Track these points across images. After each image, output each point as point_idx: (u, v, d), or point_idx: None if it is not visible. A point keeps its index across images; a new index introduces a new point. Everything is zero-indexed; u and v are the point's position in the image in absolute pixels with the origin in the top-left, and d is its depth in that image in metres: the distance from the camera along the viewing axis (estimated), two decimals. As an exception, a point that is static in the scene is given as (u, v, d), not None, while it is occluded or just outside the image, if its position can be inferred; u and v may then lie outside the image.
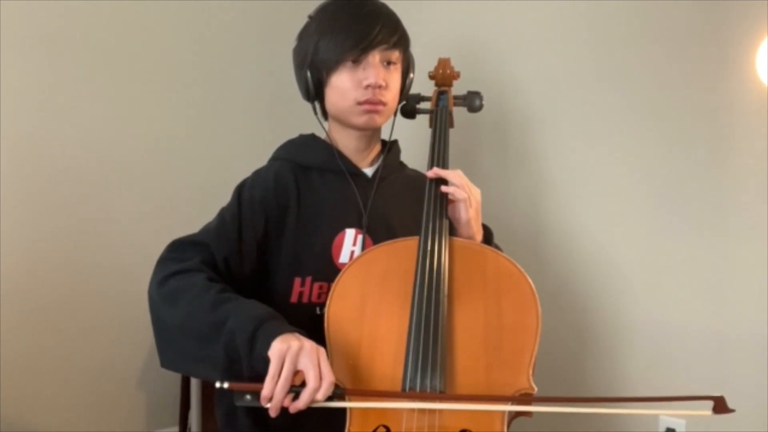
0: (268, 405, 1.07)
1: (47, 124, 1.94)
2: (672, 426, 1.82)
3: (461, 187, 1.32)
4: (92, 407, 2.03)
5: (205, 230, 1.34)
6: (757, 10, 1.67)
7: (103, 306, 2.04)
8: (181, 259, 1.26)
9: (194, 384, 2.09)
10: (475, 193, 1.35)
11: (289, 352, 1.05)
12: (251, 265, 1.34)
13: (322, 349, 1.10)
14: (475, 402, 1.17)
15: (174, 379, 2.15)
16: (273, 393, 1.05)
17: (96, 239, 2.03)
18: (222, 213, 1.37)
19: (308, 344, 1.08)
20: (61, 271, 1.96)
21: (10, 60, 1.86)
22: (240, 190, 1.39)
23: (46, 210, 1.93)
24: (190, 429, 2.11)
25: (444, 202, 1.35)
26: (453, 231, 1.35)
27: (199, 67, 2.25)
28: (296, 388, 1.06)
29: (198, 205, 2.20)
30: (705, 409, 1.12)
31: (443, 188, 1.34)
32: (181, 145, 2.21)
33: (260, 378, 1.07)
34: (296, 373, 1.06)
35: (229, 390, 1.07)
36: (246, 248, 1.32)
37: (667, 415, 1.82)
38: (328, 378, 1.07)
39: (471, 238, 1.35)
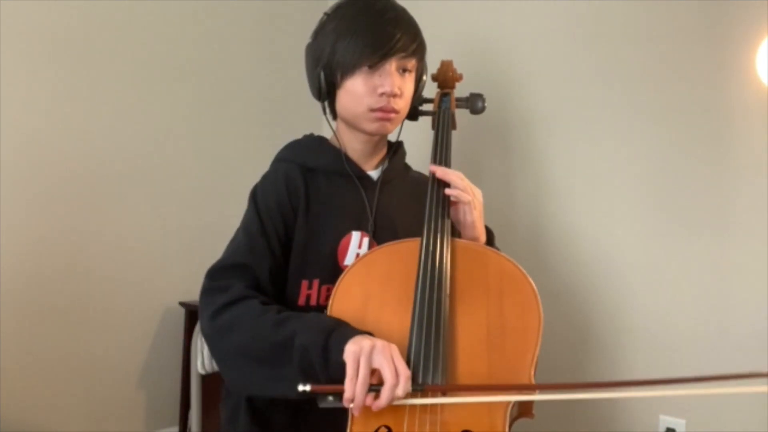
0: (351, 405, 1.07)
1: (48, 127, 1.94)
2: (672, 426, 1.82)
3: (464, 189, 1.32)
4: (92, 407, 2.03)
5: (236, 249, 1.33)
6: (757, 10, 1.68)
7: (103, 306, 2.04)
8: (226, 288, 1.25)
9: (194, 384, 2.08)
10: (477, 194, 1.35)
11: (362, 352, 1.06)
12: (282, 269, 1.34)
13: (394, 346, 1.10)
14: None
15: (174, 379, 2.16)
16: (354, 394, 1.06)
17: (96, 240, 2.03)
18: (246, 227, 1.35)
19: (380, 343, 1.08)
20: (62, 271, 1.96)
21: (12, 61, 1.86)
22: (255, 200, 1.37)
23: (47, 211, 1.93)
24: (190, 429, 2.11)
25: (446, 203, 1.35)
26: (456, 233, 1.35)
27: (200, 68, 2.25)
28: (375, 386, 1.07)
29: (198, 206, 2.21)
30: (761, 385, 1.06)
31: (447, 191, 1.33)
32: (181, 146, 2.21)
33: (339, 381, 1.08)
34: (373, 372, 1.07)
35: (311, 392, 1.07)
36: (278, 257, 1.32)
37: (667, 415, 1.84)
38: (405, 373, 1.07)
39: (475, 239, 1.35)
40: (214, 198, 2.27)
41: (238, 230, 1.37)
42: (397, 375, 1.06)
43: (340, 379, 1.08)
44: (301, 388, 1.06)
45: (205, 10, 2.24)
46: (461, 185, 1.32)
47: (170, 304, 2.19)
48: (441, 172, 1.35)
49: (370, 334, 1.14)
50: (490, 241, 1.42)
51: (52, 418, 1.95)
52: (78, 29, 1.98)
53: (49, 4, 1.91)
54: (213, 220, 2.04)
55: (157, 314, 2.18)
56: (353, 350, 1.06)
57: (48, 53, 1.93)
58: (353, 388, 1.06)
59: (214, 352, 1.25)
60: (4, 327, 1.85)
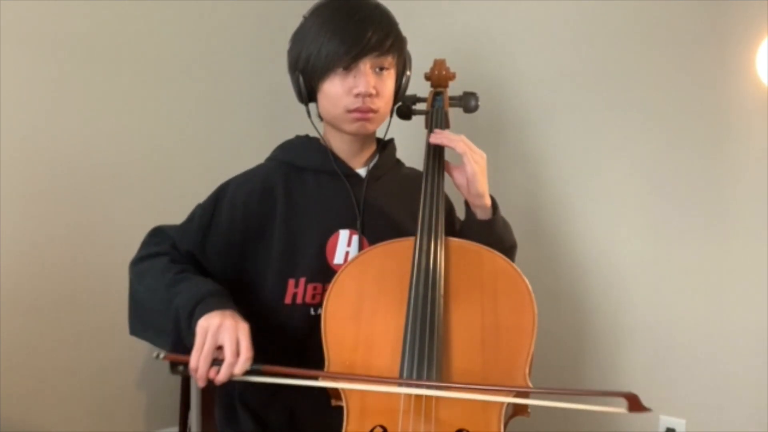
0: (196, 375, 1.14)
1: (47, 125, 1.95)
2: (672, 426, 1.82)
3: (459, 142, 1.33)
4: (92, 407, 2.04)
5: (179, 225, 1.42)
6: (757, 10, 1.67)
7: (103, 306, 2.05)
8: (155, 243, 1.38)
9: (194, 384, 2.10)
10: (479, 151, 1.35)
11: (210, 328, 1.12)
12: (219, 263, 1.37)
13: (243, 326, 1.15)
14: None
15: (174, 379, 2.16)
16: (198, 365, 1.12)
17: (96, 239, 2.03)
18: (194, 211, 1.43)
19: (229, 321, 1.14)
20: (61, 271, 1.97)
21: (11, 60, 1.87)
22: (221, 191, 1.42)
23: (46, 210, 1.94)
24: (190, 429, 2.12)
25: (441, 199, 1.35)
26: (450, 232, 1.35)
27: (198, 67, 2.26)
28: (219, 362, 1.13)
29: (197, 203, 2.21)
30: (621, 407, 1.16)
31: (443, 142, 1.34)
32: (180, 144, 2.22)
33: None
34: (220, 348, 1.13)
35: (164, 360, 1.15)
36: (211, 248, 1.37)
37: (667, 415, 1.83)
38: (245, 354, 1.12)
39: (481, 196, 1.35)
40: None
41: (194, 209, 1.44)
42: (237, 354, 1.11)
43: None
44: (154, 354, 1.15)
45: (204, 10, 2.25)
46: (462, 145, 1.33)
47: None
48: (434, 140, 1.36)
49: (236, 311, 1.18)
50: (495, 205, 1.41)
51: (52, 418, 1.95)
52: (77, 28, 1.99)
53: (48, 4, 1.92)
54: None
55: (157, 314, 2.19)
56: (203, 325, 1.13)
57: (47, 52, 1.94)
58: (197, 359, 1.12)
59: (129, 293, 1.35)
60: (4, 327, 1.86)
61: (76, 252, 1.99)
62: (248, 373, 1.13)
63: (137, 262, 1.35)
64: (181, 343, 1.20)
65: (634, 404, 1.14)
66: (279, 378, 1.15)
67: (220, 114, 2.31)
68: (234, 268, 1.38)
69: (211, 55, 2.28)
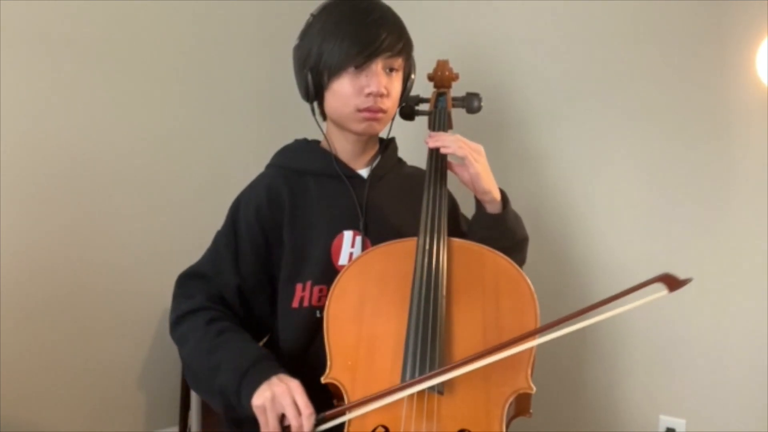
0: None
1: (46, 124, 1.94)
2: (672, 426, 1.82)
3: (459, 147, 1.33)
4: (92, 407, 2.03)
5: (204, 259, 1.42)
6: (757, 10, 1.67)
7: (102, 306, 2.04)
8: (189, 296, 1.36)
9: (194, 384, 2.10)
10: (477, 147, 1.36)
11: (266, 405, 1.16)
12: (259, 282, 1.39)
13: (294, 385, 1.17)
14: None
15: (174, 379, 2.16)
16: None
17: (95, 239, 2.03)
18: (218, 239, 1.43)
19: (279, 389, 1.16)
20: (61, 270, 1.96)
21: (10, 60, 1.86)
22: (234, 212, 1.42)
23: (46, 210, 1.93)
24: (190, 429, 2.11)
25: (443, 200, 1.35)
26: (452, 232, 1.35)
27: (198, 67, 2.25)
28: (288, 426, 1.16)
29: (197, 204, 2.21)
30: (660, 292, 1.15)
31: (442, 150, 1.35)
32: (180, 144, 2.21)
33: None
34: (283, 415, 1.16)
35: None
36: (245, 272, 1.37)
37: (667, 414, 1.84)
38: (306, 411, 1.14)
39: (488, 193, 1.35)
40: (214, 198, 2.26)
41: (213, 239, 1.44)
42: (299, 415, 1.14)
43: (254, 414, 1.18)
44: None
45: (204, 10, 2.24)
46: (457, 144, 1.33)
47: (170, 304, 2.19)
48: (432, 144, 1.37)
49: (281, 372, 1.21)
50: (505, 198, 1.41)
51: (52, 418, 1.95)
52: (77, 28, 1.98)
53: (48, 4, 1.92)
54: (213, 219, 2.02)
55: (157, 314, 2.17)
56: (258, 405, 1.16)
57: (47, 52, 1.93)
58: None
59: (180, 355, 1.37)
60: (4, 327, 1.86)
61: (76, 252, 1.99)
62: (316, 426, 1.16)
63: (175, 326, 1.36)
64: (232, 411, 1.24)
65: (672, 283, 1.13)
66: (339, 418, 1.16)
67: (220, 114, 2.30)
68: (270, 281, 1.40)
69: (211, 55, 2.27)
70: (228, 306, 1.36)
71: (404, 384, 1.16)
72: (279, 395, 1.15)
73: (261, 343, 1.46)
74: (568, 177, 1.98)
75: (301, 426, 1.14)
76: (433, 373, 1.15)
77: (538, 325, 1.24)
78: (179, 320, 1.34)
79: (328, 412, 1.16)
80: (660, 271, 1.82)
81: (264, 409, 1.15)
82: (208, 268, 1.38)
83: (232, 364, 1.22)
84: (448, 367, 1.16)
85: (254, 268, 1.37)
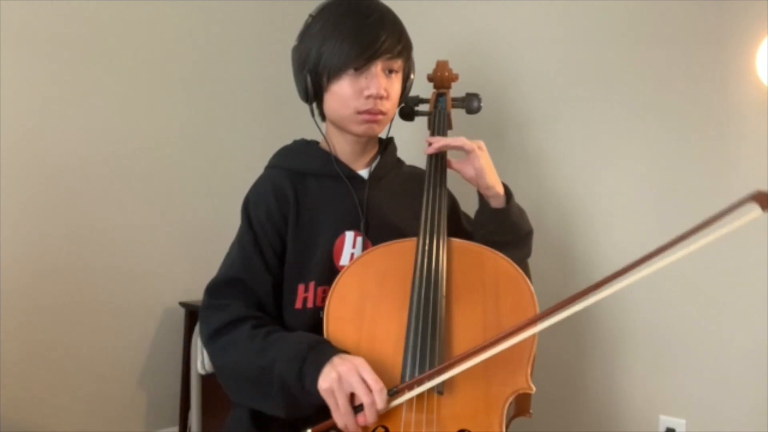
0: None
1: (47, 125, 1.94)
2: (672, 426, 1.82)
3: (465, 142, 1.34)
4: (92, 407, 2.03)
5: (232, 264, 1.37)
6: (757, 10, 1.67)
7: (103, 306, 2.05)
8: (223, 307, 1.31)
9: (194, 384, 2.09)
10: (478, 143, 1.36)
11: (333, 386, 1.11)
12: (281, 278, 1.37)
13: (359, 361, 1.13)
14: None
15: (174, 379, 2.16)
16: (344, 423, 1.12)
17: (96, 239, 2.03)
18: (240, 241, 1.38)
19: (344, 367, 1.12)
20: (61, 271, 1.96)
21: (10, 60, 1.86)
22: (247, 212, 1.39)
23: (47, 210, 1.94)
24: (190, 429, 2.12)
25: (443, 200, 1.35)
26: (453, 231, 1.35)
27: (199, 68, 2.25)
28: (360, 407, 1.12)
29: (197, 205, 2.21)
30: (754, 212, 1.03)
31: (432, 150, 1.35)
32: (180, 145, 2.21)
33: (322, 404, 1.14)
34: (353, 395, 1.12)
35: None
36: (274, 268, 1.35)
37: (667, 414, 1.83)
38: (376, 387, 1.10)
39: (492, 188, 1.35)
40: (214, 197, 2.27)
41: (233, 244, 1.40)
42: (370, 392, 1.10)
43: (319, 402, 1.14)
44: None
45: (203, 10, 2.24)
46: (460, 142, 1.34)
47: (170, 304, 2.19)
48: (436, 147, 1.37)
49: (340, 351, 1.17)
50: (508, 192, 1.41)
51: (52, 418, 1.95)
52: (77, 28, 1.99)
53: (48, 5, 1.92)
54: (213, 219, 2.04)
55: (157, 314, 2.18)
56: (325, 387, 1.12)
57: (47, 52, 1.93)
58: (342, 419, 1.12)
59: (215, 369, 1.32)
60: (4, 327, 1.86)
61: (76, 252, 1.99)
62: (390, 400, 1.12)
63: (214, 338, 1.29)
64: (296, 406, 1.19)
65: (766, 200, 1.02)
66: (417, 389, 1.13)
67: (221, 115, 2.31)
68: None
69: (212, 56, 2.28)
70: (265, 311, 1.33)
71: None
72: (345, 374, 1.11)
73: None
74: (569, 176, 1.98)
75: (373, 402, 1.09)
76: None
77: (538, 325, 1.24)
78: (218, 332, 1.28)
79: (401, 385, 1.13)
80: (660, 271, 1.83)
81: (332, 391, 1.11)
82: (239, 272, 1.34)
83: (288, 354, 1.18)
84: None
85: (278, 264, 1.36)
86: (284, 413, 1.21)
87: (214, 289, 1.35)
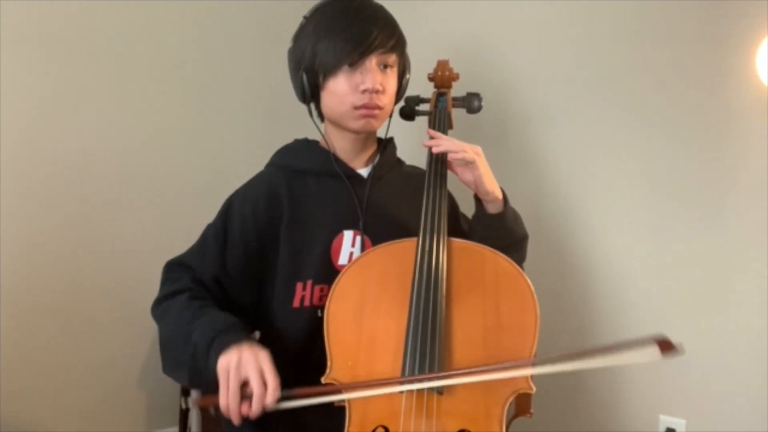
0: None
1: (47, 125, 1.94)
2: (672, 426, 1.82)
3: (463, 151, 1.33)
4: (92, 407, 2.03)
5: (191, 249, 1.42)
6: (757, 10, 1.67)
7: (102, 306, 2.05)
8: (174, 280, 1.36)
9: (194, 384, 2.10)
10: (476, 149, 1.35)
11: (230, 366, 1.13)
12: (244, 277, 1.38)
13: (263, 355, 1.15)
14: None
15: (174, 379, 2.16)
16: (227, 404, 1.13)
17: (96, 239, 2.03)
18: (207, 231, 1.42)
19: (247, 354, 1.14)
20: (61, 270, 1.96)
21: (10, 60, 1.86)
22: (228, 207, 1.42)
23: (46, 210, 1.94)
24: (190, 429, 2.11)
25: (443, 200, 1.35)
26: (452, 231, 1.35)
27: (199, 68, 2.25)
28: (250, 396, 1.13)
29: (196, 204, 2.21)
30: (653, 355, 1.10)
31: (451, 156, 1.34)
32: (179, 144, 2.21)
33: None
34: (246, 383, 1.13)
35: (197, 406, 1.18)
36: (232, 264, 1.37)
37: (667, 415, 1.84)
38: (272, 383, 1.12)
39: (490, 193, 1.36)
40: (213, 198, 2.26)
41: (204, 230, 1.43)
42: (264, 385, 1.11)
43: (216, 379, 1.15)
44: (184, 405, 1.13)
45: (204, 10, 2.24)
46: (458, 147, 1.33)
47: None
48: (437, 150, 1.36)
49: (251, 341, 1.18)
50: (504, 197, 1.41)
51: (52, 418, 1.95)
52: (77, 28, 1.99)
53: (48, 4, 1.92)
54: (212, 218, 2.02)
55: (158, 314, 2.18)
56: (223, 365, 1.13)
57: (46, 52, 1.93)
58: (226, 399, 1.12)
59: (158, 334, 1.35)
60: (4, 327, 1.86)
61: (75, 251, 1.99)
62: (280, 400, 1.13)
63: (158, 304, 1.35)
64: (198, 376, 1.21)
65: (665, 347, 1.09)
66: (310, 399, 1.14)
67: (219, 114, 2.31)
68: (256, 279, 1.39)
69: (211, 55, 2.28)
70: (210, 292, 1.36)
71: (398, 379, 1.16)
72: (246, 360, 1.13)
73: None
74: (569, 177, 1.98)
75: (263, 395, 1.11)
76: (430, 375, 1.15)
77: (539, 325, 1.24)
78: (162, 300, 1.34)
79: (295, 391, 1.14)
80: (660, 271, 1.83)
81: (227, 370, 1.13)
82: (193, 259, 1.38)
83: (209, 324, 1.21)
84: (445, 374, 1.16)
85: (239, 262, 1.37)
86: (188, 382, 1.26)
87: (168, 266, 1.40)
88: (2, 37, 1.85)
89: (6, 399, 1.85)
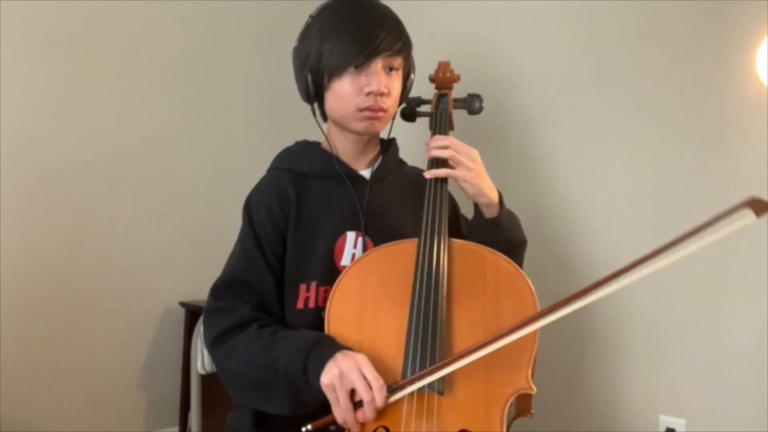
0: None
1: (46, 125, 1.94)
2: (672, 426, 1.82)
3: (453, 156, 1.33)
4: (92, 407, 2.03)
5: (235, 264, 1.37)
6: (757, 10, 1.67)
7: (103, 306, 2.05)
8: (229, 310, 1.32)
9: (194, 384, 2.09)
10: (472, 154, 1.35)
11: (335, 381, 1.14)
12: (281, 279, 1.38)
13: (360, 358, 1.15)
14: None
15: (174, 379, 2.16)
16: (344, 418, 1.14)
17: (96, 240, 2.03)
18: (243, 241, 1.39)
19: (345, 364, 1.14)
20: (61, 271, 1.96)
21: (10, 60, 1.86)
22: (249, 213, 1.40)
23: (46, 211, 1.94)
24: (190, 429, 2.11)
25: (444, 201, 1.35)
26: (453, 233, 1.35)
27: (199, 68, 2.25)
28: (359, 403, 1.14)
29: (197, 205, 2.21)
30: (748, 218, 1.05)
31: (432, 173, 1.35)
32: (180, 146, 2.21)
33: (324, 400, 1.17)
34: (353, 391, 1.14)
35: (314, 429, 1.15)
36: (276, 268, 1.36)
37: (667, 414, 1.84)
38: (376, 384, 1.12)
39: (483, 197, 1.35)
40: (214, 197, 2.27)
41: (236, 244, 1.41)
42: (370, 388, 1.12)
43: (322, 397, 1.16)
44: (303, 429, 1.14)
45: (204, 11, 2.24)
46: (447, 154, 1.34)
47: (170, 304, 2.20)
48: (434, 153, 1.36)
49: (343, 347, 1.19)
50: (500, 201, 1.40)
51: (52, 418, 1.95)
52: (77, 28, 1.98)
53: (48, 5, 1.92)
54: (213, 219, 2.04)
55: (157, 314, 2.18)
56: (326, 383, 1.14)
57: (46, 52, 1.93)
58: (342, 414, 1.14)
59: (220, 373, 1.33)
60: (4, 327, 1.86)
61: (76, 252, 1.99)
62: (389, 396, 1.14)
63: (219, 342, 1.30)
64: (300, 403, 1.21)
65: (759, 207, 1.03)
66: (413, 385, 1.14)
67: (221, 115, 2.31)
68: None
69: (212, 56, 2.28)
70: (269, 311, 1.34)
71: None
72: (347, 370, 1.13)
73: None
74: (569, 178, 1.98)
75: (373, 399, 1.12)
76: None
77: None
78: (223, 336, 1.29)
79: (401, 382, 1.15)
80: (660, 271, 1.83)
81: (333, 386, 1.13)
82: (243, 272, 1.35)
83: (293, 349, 1.20)
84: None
85: (279, 264, 1.37)
86: (288, 410, 1.22)
87: (218, 291, 1.35)
88: (2, 38, 1.84)
89: (6, 399, 1.85)
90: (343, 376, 1.13)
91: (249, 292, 1.33)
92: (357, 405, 1.13)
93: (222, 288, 1.35)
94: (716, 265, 1.76)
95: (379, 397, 1.12)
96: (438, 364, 1.15)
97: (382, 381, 1.13)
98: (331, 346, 1.19)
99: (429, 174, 1.36)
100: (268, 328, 1.28)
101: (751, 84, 1.69)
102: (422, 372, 1.15)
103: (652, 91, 1.84)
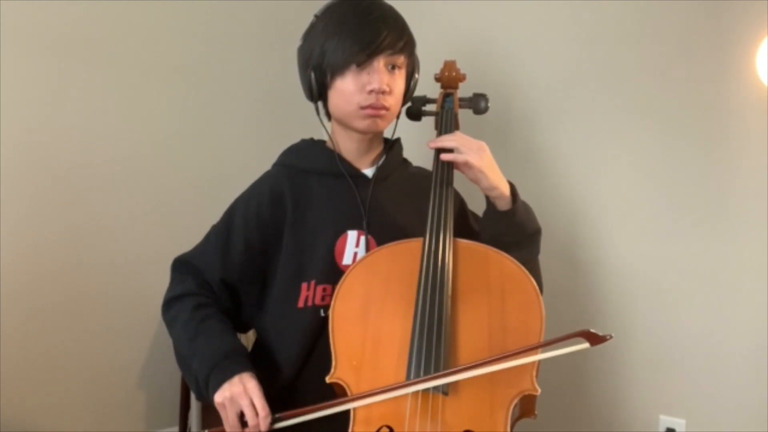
0: None
1: (48, 126, 1.93)
2: (672, 426, 1.82)
3: (459, 147, 1.35)
4: (92, 407, 2.03)
5: (197, 248, 1.47)
6: (757, 10, 1.68)
7: (103, 306, 2.04)
8: (182, 280, 1.43)
9: (194, 384, 2.09)
10: (476, 148, 1.35)
11: (225, 403, 1.23)
12: (247, 278, 1.41)
13: (252, 387, 1.24)
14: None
15: (174, 379, 2.15)
16: None
17: (96, 240, 2.02)
18: (211, 233, 1.46)
19: (237, 390, 1.23)
20: (61, 271, 1.95)
21: (11, 60, 1.85)
22: (231, 211, 1.45)
23: (47, 211, 1.93)
24: (190, 429, 2.11)
25: (450, 200, 1.35)
26: (460, 231, 1.35)
27: (200, 67, 2.24)
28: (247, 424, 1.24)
29: (198, 206, 2.20)
30: (582, 345, 1.15)
31: (443, 156, 1.37)
32: (182, 146, 2.21)
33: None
34: (242, 413, 1.23)
35: None
36: (234, 264, 1.40)
37: (667, 415, 1.84)
38: (262, 413, 1.21)
39: (494, 189, 1.35)
40: (216, 199, 2.25)
41: (209, 230, 1.47)
42: (257, 416, 1.21)
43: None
44: None
45: (206, 11, 2.23)
46: (453, 145, 1.36)
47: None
48: (434, 143, 1.39)
49: (247, 373, 1.27)
50: (514, 192, 1.40)
51: (52, 418, 1.94)
52: (77, 28, 1.97)
53: (49, 5, 1.91)
54: (214, 220, 2.01)
55: (158, 314, 2.14)
56: (218, 401, 1.24)
57: (47, 52, 1.92)
58: (229, 430, 1.24)
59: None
60: (4, 327, 1.85)
61: (76, 252, 1.98)
62: (273, 423, 1.23)
63: (167, 307, 1.42)
64: (203, 399, 1.33)
65: (593, 339, 1.14)
66: (301, 417, 1.21)
67: (223, 115, 2.30)
68: (260, 279, 1.42)
69: (212, 55, 2.27)
70: (216, 294, 1.41)
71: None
72: (237, 396, 1.22)
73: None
74: (574, 177, 1.98)
75: (257, 425, 1.21)
76: (435, 374, 1.16)
77: (543, 325, 1.24)
78: (171, 302, 1.40)
79: (284, 413, 1.22)
80: (661, 271, 1.84)
81: (224, 407, 1.23)
82: (197, 259, 1.43)
83: (206, 354, 1.29)
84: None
85: (241, 259, 1.40)
86: (198, 398, 1.42)
87: (176, 263, 1.47)
88: (2, 38, 1.84)
89: (6, 399, 1.85)
90: (233, 400, 1.22)
91: (198, 274, 1.42)
92: (244, 424, 1.23)
93: (179, 262, 1.47)
94: (716, 265, 1.76)
95: (264, 425, 1.21)
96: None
97: (267, 411, 1.21)
98: (235, 367, 1.26)
99: (433, 143, 1.39)
100: (201, 311, 1.35)
101: (751, 84, 1.69)
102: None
103: (652, 91, 1.85)
